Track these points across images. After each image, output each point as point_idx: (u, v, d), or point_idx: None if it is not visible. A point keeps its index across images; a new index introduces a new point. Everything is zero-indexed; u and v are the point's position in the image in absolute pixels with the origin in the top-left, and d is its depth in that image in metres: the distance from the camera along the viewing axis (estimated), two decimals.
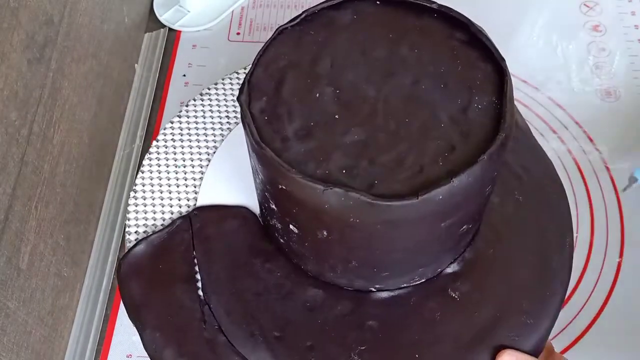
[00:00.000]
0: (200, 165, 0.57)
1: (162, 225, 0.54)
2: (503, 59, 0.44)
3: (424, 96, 0.43)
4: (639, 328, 0.51)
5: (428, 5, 0.46)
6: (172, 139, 0.58)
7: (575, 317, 0.51)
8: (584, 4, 0.71)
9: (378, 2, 0.47)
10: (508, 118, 0.41)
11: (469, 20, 0.45)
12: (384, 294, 0.49)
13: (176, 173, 0.56)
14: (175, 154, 0.58)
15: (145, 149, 0.61)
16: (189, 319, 0.48)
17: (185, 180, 0.56)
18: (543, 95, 0.64)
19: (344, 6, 0.47)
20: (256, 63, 0.45)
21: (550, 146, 0.60)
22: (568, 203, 0.55)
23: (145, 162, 0.57)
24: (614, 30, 0.69)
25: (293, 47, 0.46)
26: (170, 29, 0.70)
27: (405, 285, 0.49)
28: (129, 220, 0.54)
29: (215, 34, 0.70)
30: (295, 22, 0.46)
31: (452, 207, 0.41)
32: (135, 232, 0.54)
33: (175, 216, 0.54)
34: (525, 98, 0.63)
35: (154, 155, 0.57)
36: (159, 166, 0.57)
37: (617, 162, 0.60)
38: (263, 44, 0.46)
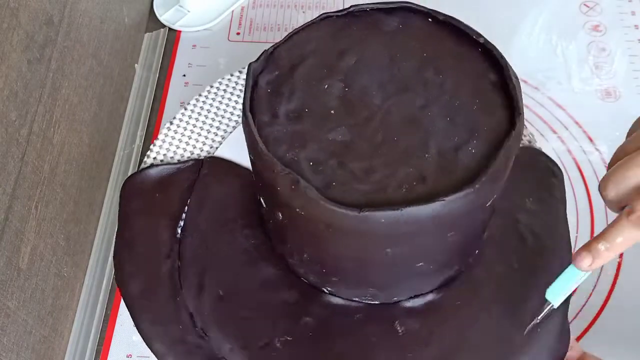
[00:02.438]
0: (237, 121, 0.60)
1: (178, 160, 0.57)
2: (520, 113, 0.41)
3: (425, 122, 0.42)
4: (639, 328, 0.51)
5: (474, 37, 0.45)
6: (224, 90, 0.62)
7: (575, 317, 0.51)
8: (584, 4, 0.71)
9: (430, 20, 0.46)
10: (490, 172, 0.39)
11: (507, 63, 0.43)
12: (334, 299, 0.48)
13: (213, 120, 0.59)
14: (221, 102, 0.61)
15: (145, 149, 0.61)
16: (156, 252, 0.51)
17: (218, 129, 0.59)
18: (543, 95, 0.64)
19: (395, 13, 0.46)
20: (287, 38, 0.45)
21: (551, 146, 0.60)
22: None
23: (192, 101, 0.60)
24: (614, 30, 0.69)
25: (327, 35, 0.46)
26: (170, 29, 0.70)
27: (356, 299, 0.48)
28: (154, 145, 0.57)
29: (215, 34, 0.70)
30: (342, 13, 0.46)
31: (397, 236, 0.39)
32: (154, 158, 0.57)
33: (193, 157, 0.57)
34: (525, 98, 0.63)
35: (202, 98, 0.61)
36: (201, 108, 0.60)
37: None
38: (300, 25, 0.46)
